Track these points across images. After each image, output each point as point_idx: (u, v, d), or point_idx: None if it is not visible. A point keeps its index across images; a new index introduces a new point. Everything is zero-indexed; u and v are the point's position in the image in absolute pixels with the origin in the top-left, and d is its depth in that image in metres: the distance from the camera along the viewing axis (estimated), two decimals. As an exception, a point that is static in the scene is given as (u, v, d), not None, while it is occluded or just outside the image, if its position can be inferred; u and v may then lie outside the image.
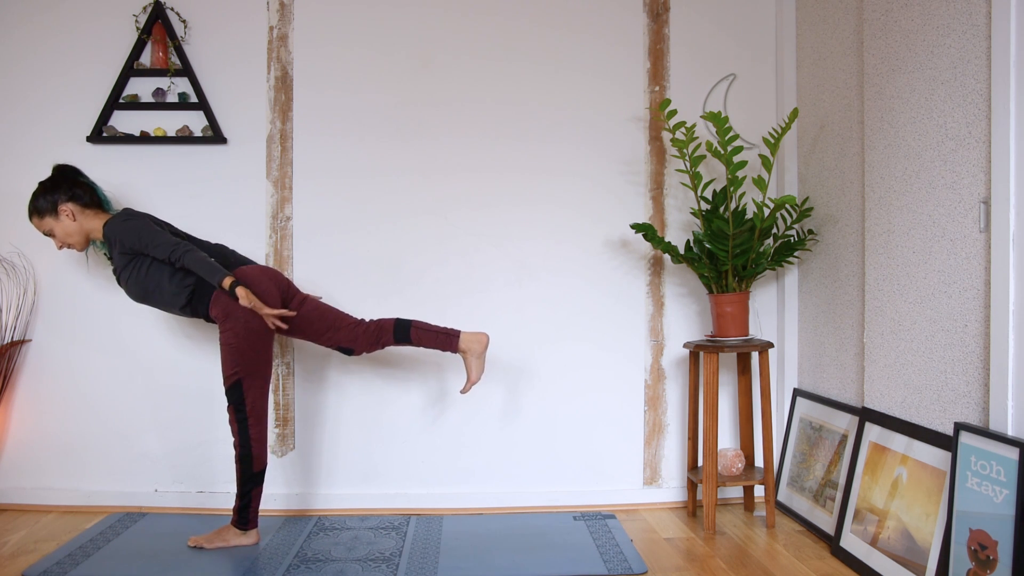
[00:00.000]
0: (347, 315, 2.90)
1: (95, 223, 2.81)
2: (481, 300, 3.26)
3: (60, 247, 2.84)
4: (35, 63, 3.22)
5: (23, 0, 3.21)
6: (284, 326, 2.71)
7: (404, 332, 2.85)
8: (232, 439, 2.90)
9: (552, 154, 3.28)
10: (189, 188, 3.22)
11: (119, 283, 2.78)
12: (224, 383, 2.69)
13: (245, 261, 2.93)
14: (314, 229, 3.24)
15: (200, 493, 3.21)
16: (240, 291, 2.60)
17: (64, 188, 2.78)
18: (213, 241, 3.07)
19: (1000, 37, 2.05)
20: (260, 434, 2.70)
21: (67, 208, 2.77)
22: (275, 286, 2.76)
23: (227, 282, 2.60)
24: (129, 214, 2.77)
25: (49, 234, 2.81)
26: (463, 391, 2.88)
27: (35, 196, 2.80)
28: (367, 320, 2.90)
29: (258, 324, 2.68)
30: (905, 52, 2.48)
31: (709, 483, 2.91)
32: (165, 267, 2.70)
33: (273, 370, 3.19)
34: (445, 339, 2.84)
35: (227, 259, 2.92)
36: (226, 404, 2.72)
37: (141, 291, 2.74)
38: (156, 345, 3.21)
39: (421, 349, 3.19)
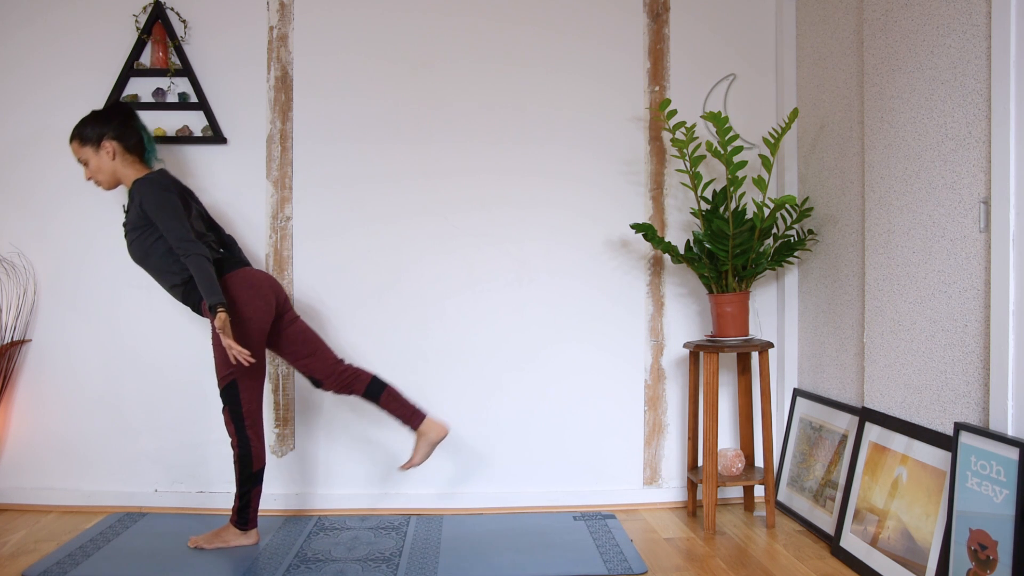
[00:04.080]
0: (330, 350, 2.88)
1: (130, 171, 2.76)
2: (481, 300, 3.26)
3: (88, 179, 2.77)
4: (36, 64, 3.21)
5: (25, 2, 3.21)
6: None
7: (376, 392, 2.83)
8: (229, 439, 2.90)
9: (552, 155, 3.28)
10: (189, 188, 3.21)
11: (125, 236, 2.74)
12: (218, 384, 2.68)
13: (246, 261, 2.91)
14: (314, 229, 3.24)
15: (200, 493, 3.21)
16: (221, 316, 2.51)
17: (115, 124, 2.73)
18: (227, 231, 3.04)
19: (1000, 37, 2.05)
20: (258, 433, 2.71)
21: (110, 146, 2.72)
22: (273, 299, 2.75)
23: (213, 304, 2.52)
24: (163, 183, 2.68)
25: (83, 163, 2.75)
26: (403, 467, 2.85)
27: (84, 122, 2.74)
28: (347, 363, 2.88)
29: (253, 326, 2.67)
30: (905, 52, 2.48)
31: (709, 483, 2.91)
32: (171, 248, 2.67)
33: (274, 370, 3.20)
34: (410, 414, 2.82)
35: (233, 254, 2.90)
36: (221, 406, 2.69)
37: (142, 255, 2.71)
38: (156, 345, 3.21)
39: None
